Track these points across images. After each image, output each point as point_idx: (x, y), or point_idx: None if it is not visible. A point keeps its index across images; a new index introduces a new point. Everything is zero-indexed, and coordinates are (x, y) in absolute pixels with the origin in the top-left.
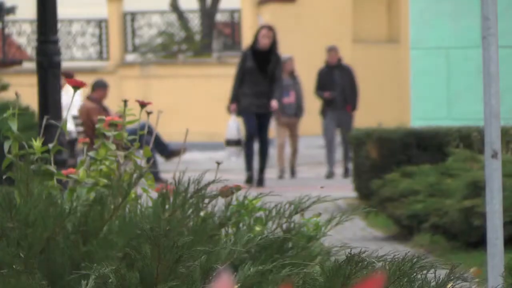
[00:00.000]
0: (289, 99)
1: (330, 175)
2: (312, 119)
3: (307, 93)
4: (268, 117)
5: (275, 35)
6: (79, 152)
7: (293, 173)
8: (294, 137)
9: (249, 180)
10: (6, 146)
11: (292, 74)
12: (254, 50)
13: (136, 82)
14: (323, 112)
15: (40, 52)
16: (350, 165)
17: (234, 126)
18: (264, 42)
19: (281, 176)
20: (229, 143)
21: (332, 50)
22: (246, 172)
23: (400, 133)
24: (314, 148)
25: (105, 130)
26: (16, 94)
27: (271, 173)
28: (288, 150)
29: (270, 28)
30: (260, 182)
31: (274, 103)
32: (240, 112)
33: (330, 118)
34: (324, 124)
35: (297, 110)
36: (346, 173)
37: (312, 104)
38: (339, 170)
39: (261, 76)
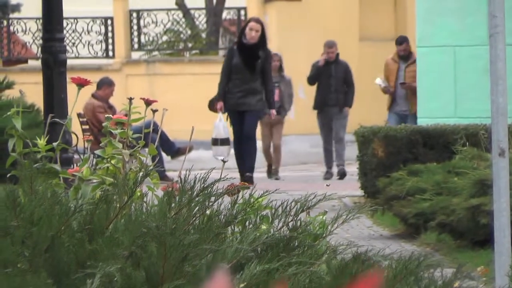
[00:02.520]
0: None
1: (328, 175)
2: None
3: (312, 91)
4: (255, 114)
5: (264, 29)
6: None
7: (276, 174)
8: (277, 136)
9: (247, 182)
10: (10, 144)
11: (280, 72)
12: (241, 45)
13: (142, 80)
14: (316, 109)
15: (45, 50)
16: (345, 167)
17: (220, 125)
18: (252, 36)
19: (270, 175)
20: (216, 142)
21: (333, 46)
22: (242, 175)
23: (406, 131)
24: (319, 146)
25: (111, 128)
26: (20, 92)
27: (260, 173)
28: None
29: (258, 21)
30: (250, 181)
31: (273, 113)
32: (226, 111)
33: (324, 115)
34: (318, 121)
35: (280, 108)
36: (340, 175)
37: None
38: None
39: (248, 73)
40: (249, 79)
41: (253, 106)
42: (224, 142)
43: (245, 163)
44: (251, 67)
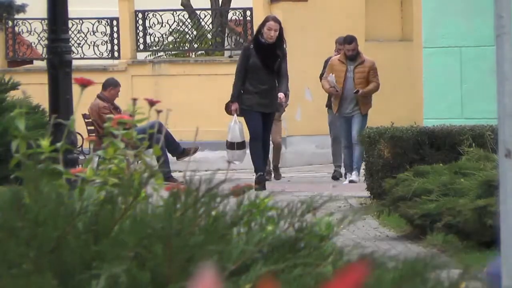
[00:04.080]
0: None
1: (337, 175)
2: (325, 117)
3: (318, 92)
4: (272, 117)
5: (282, 28)
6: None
7: (277, 173)
8: (276, 132)
9: (261, 182)
10: (13, 145)
11: None
12: (259, 44)
13: (147, 81)
14: (329, 105)
15: (50, 51)
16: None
17: (236, 128)
18: (271, 35)
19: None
20: (233, 146)
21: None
22: (256, 173)
23: (413, 132)
24: (325, 147)
25: (114, 128)
26: (23, 92)
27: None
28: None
29: (276, 20)
30: (263, 186)
31: (281, 95)
32: (242, 112)
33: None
34: (329, 118)
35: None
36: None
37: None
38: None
39: (266, 73)
40: (267, 79)
41: (271, 108)
42: (240, 145)
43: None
44: (270, 67)
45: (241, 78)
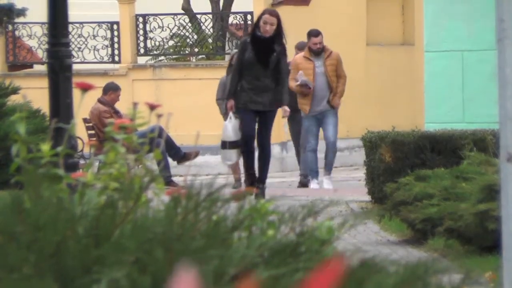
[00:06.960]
0: None
1: (307, 182)
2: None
3: None
4: (270, 117)
5: (280, 22)
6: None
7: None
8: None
9: (252, 186)
10: (14, 149)
11: None
12: (255, 38)
13: (148, 85)
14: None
15: (51, 55)
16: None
17: (229, 126)
18: (266, 29)
19: (236, 187)
20: (225, 145)
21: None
22: (245, 181)
23: (414, 136)
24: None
25: (114, 133)
26: (24, 96)
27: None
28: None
29: (273, 13)
30: (262, 193)
31: (285, 110)
32: (237, 110)
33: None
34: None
35: None
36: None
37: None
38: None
39: (261, 68)
40: (261, 75)
41: (268, 107)
42: (233, 145)
43: (259, 173)
44: (264, 62)
45: (237, 74)
